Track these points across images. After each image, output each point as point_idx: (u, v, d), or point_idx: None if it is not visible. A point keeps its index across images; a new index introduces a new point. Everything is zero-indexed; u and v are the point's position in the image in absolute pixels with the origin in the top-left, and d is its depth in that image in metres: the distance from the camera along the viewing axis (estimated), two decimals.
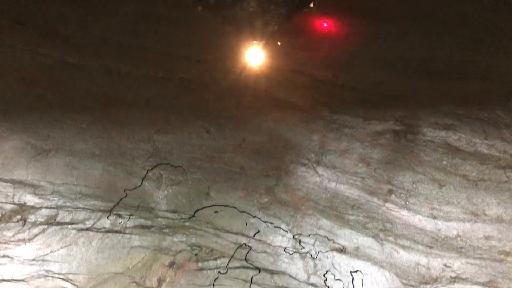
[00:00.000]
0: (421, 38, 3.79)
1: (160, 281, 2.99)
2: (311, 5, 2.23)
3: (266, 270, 3.01)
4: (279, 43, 3.32)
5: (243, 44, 2.35)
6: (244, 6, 2.00)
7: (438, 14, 3.92)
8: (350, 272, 3.01)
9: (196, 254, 3.01)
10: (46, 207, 3.17)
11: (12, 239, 3.07)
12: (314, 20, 3.96)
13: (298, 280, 3.01)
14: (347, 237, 3.01)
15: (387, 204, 3.10)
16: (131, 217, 3.14)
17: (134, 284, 2.99)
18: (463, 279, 2.97)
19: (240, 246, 3.03)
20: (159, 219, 3.13)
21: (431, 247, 2.94)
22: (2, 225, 3.11)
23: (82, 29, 3.94)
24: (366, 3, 4.01)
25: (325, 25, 3.94)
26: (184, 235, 3.06)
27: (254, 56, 2.49)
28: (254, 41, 2.23)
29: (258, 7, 1.98)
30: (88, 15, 4.01)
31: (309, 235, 3.03)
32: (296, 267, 3.03)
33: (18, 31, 3.95)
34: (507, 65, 3.63)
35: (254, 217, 3.11)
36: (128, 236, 3.07)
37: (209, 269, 3.02)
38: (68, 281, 2.99)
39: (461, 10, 3.92)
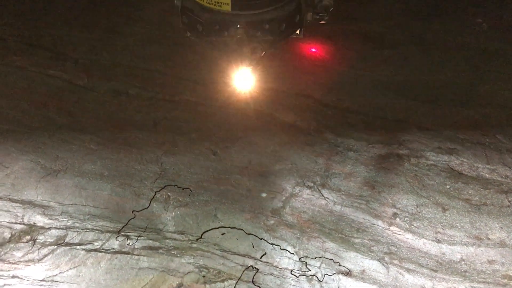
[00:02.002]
0: (423, 63, 3.88)
1: None
2: (298, 32, 2.30)
3: None
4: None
5: (244, 69, 2.42)
6: (231, 33, 2.07)
7: (439, 40, 4.02)
8: None
9: (203, 276, 3.04)
10: (56, 228, 3.21)
11: (22, 259, 3.10)
12: (318, 46, 4.06)
13: None
14: (353, 260, 3.05)
15: (392, 228, 3.15)
16: (139, 238, 3.17)
17: None
18: None
19: (247, 268, 3.06)
20: (167, 240, 3.17)
21: (436, 271, 2.98)
22: (12, 245, 3.15)
23: (91, 52, 4.03)
24: (370, 29, 4.12)
25: (313, 50, 4.05)
26: (192, 257, 3.10)
27: (258, 79, 2.57)
28: (243, 66, 2.31)
29: (245, 34, 2.05)
30: (97, 38, 4.10)
31: (315, 258, 3.07)
32: None
33: (27, 53, 4.03)
34: (507, 90, 3.72)
35: (261, 239, 3.15)
36: (136, 257, 3.11)
37: None
38: None
39: (462, 36, 4.03)
